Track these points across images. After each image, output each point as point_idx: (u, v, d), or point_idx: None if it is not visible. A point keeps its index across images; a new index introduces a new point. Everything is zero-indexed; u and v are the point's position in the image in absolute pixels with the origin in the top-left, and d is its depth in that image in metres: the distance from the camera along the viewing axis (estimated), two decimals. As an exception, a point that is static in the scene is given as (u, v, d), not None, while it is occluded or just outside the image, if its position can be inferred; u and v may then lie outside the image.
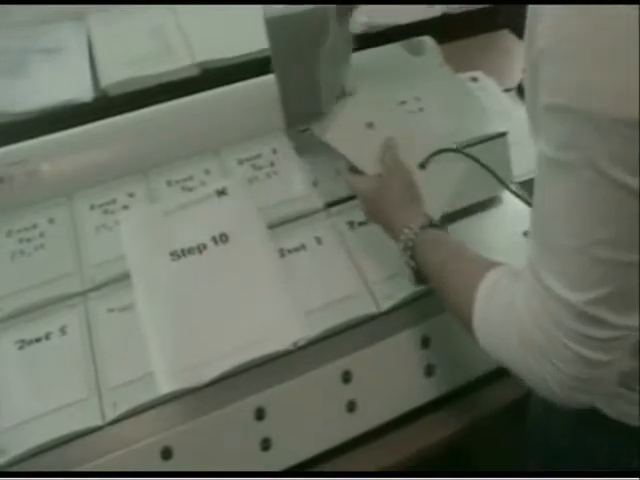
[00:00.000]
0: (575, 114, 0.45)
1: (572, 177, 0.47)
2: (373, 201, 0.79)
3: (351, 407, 0.79)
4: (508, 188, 0.90)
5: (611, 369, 0.51)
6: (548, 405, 0.74)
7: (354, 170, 0.83)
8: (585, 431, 0.69)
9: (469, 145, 0.93)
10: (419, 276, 0.72)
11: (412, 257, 0.71)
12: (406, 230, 0.71)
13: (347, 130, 0.84)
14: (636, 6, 0.41)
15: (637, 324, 0.50)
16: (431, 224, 0.72)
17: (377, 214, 0.79)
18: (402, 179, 0.78)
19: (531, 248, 0.52)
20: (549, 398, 0.54)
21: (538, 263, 0.51)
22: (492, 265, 0.61)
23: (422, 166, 0.82)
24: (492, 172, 0.85)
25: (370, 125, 0.85)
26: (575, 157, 0.46)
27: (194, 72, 1.16)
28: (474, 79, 1.20)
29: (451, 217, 0.89)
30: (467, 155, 0.85)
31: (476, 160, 0.85)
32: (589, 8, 0.43)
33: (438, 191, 0.80)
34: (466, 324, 0.60)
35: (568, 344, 0.49)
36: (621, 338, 0.50)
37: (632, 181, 0.44)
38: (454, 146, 0.86)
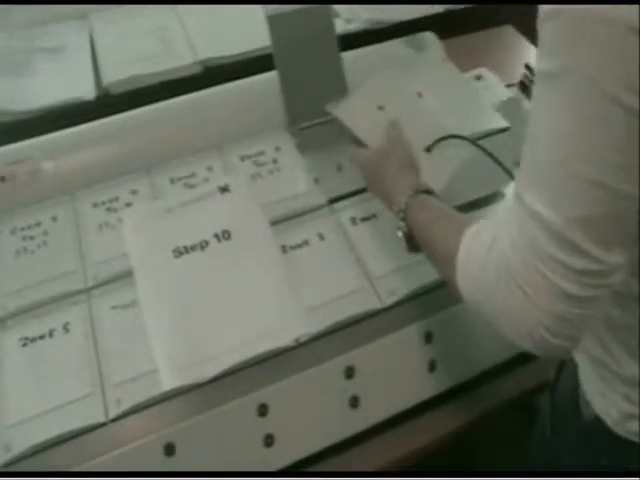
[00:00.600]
0: (569, 17, 0.44)
1: (564, 86, 0.45)
2: (373, 170, 0.82)
3: (354, 403, 0.79)
4: (513, 178, 0.90)
5: (588, 309, 0.49)
6: (554, 413, 0.74)
7: (358, 144, 0.85)
8: (588, 439, 0.69)
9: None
10: (411, 242, 0.73)
11: (404, 220, 0.72)
12: (401, 196, 0.73)
13: (358, 108, 0.87)
14: None
15: (618, 261, 0.48)
16: (425, 191, 0.74)
17: (376, 182, 0.82)
18: (402, 151, 0.81)
19: (518, 172, 0.51)
20: (527, 348, 0.53)
21: (522, 183, 0.50)
22: (476, 221, 0.61)
23: (428, 150, 0.84)
24: (498, 161, 0.86)
25: (381, 108, 0.87)
26: (567, 64, 0.45)
27: (196, 70, 1.16)
28: (478, 77, 1.20)
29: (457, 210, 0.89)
30: (474, 143, 0.86)
31: (483, 149, 0.85)
32: None
33: (440, 172, 0.82)
34: (451, 279, 0.60)
35: (546, 273, 0.48)
36: (600, 274, 0.48)
37: (627, 97, 0.43)
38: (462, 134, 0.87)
